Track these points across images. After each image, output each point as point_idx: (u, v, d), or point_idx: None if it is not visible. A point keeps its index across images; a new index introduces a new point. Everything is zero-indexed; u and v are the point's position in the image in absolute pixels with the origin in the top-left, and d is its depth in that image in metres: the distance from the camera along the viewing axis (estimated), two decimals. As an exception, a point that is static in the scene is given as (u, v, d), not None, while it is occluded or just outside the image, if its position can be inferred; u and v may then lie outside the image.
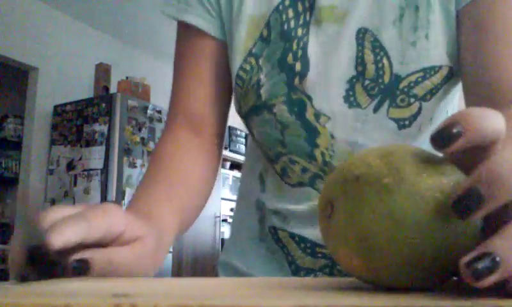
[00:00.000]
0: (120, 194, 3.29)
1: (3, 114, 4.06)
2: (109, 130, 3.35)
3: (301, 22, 0.55)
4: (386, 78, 0.52)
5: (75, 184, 3.40)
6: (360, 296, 0.22)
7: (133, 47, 4.42)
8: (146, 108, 3.60)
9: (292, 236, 0.59)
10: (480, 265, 0.20)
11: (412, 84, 0.52)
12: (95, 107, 3.47)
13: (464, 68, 0.52)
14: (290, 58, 0.55)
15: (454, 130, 0.23)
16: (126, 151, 3.38)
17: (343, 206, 0.25)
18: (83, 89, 3.89)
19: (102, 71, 3.86)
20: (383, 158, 0.25)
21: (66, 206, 0.36)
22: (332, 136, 0.54)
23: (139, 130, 3.51)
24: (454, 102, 0.59)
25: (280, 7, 0.56)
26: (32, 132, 3.60)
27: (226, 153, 4.56)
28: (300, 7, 0.56)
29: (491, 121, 0.24)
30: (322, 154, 0.55)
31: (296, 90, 0.55)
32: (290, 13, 0.56)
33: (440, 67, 0.52)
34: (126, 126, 3.41)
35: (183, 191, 0.56)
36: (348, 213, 0.25)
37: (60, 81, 3.78)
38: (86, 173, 3.37)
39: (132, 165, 3.42)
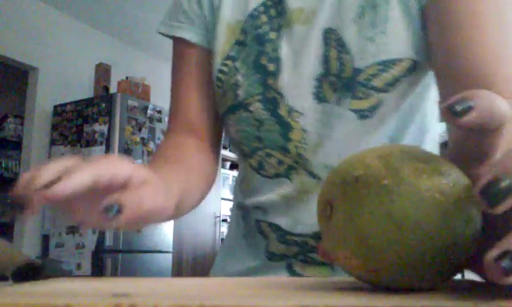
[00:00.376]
0: (120, 194, 3.29)
1: (3, 114, 4.06)
2: (109, 130, 3.35)
3: (273, 26, 0.61)
4: (348, 73, 0.55)
5: (75, 184, 3.39)
6: (359, 296, 0.23)
7: (133, 47, 4.42)
8: (146, 108, 3.59)
9: (270, 225, 0.62)
10: (509, 262, 0.20)
11: (371, 77, 0.55)
12: (95, 107, 3.47)
13: (433, 60, 0.54)
14: (264, 60, 0.60)
15: (467, 104, 0.24)
16: (126, 151, 3.38)
17: (342, 207, 0.25)
18: (83, 89, 3.89)
19: (102, 71, 3.86)
20: (382, 159, 0.25)
21: (70, 158, 0.38)
22: (304, 130, 0.59)
23: (139, 130, 3.51)
24: (429, 96, 0.61)
25: (254, 13, 0.62)
26: (33, 132, 3.60)
27: (226, 153, 4.56)
28: (273, 12, 0.61)
29: (499, 103, 0.25)
30: (296, 147, 0.59)
31: (270, 89, 0.60)
32: (264, 18, 0.62)
33: (400, 60, 0.54)
34: (126, 126, 3.41)
35: (184, 172, 0.59)
36: (347, 214, 0.25)
37: (60, 81, 3.78)
38: (86, 173, 3.37)
39: (132, 165, 3.42)
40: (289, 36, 0.59)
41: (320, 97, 0.57)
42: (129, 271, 3.29)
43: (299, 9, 0.59)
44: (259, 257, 0.64)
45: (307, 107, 0.58)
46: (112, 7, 3.78)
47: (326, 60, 0.57)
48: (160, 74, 4.38)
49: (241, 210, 0.67)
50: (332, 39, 0.56)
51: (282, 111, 0.59)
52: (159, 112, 3.69)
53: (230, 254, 0.69)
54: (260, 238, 0.64)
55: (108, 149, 3.31)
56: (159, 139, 3.65)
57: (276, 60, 0.59)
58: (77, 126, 3.51)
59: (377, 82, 0.55)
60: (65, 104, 3.62)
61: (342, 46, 0.56)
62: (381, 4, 0.55)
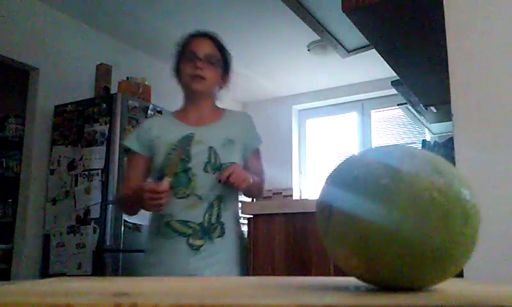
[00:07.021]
0: (121, 194, 3.29)
1: (4, 114, 4.06)
2: (110, 130, 3.35)
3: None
4: (217, 163, 1.61)
5: (75, 184, 3.40)
6: (359, 296, 0.23)
7: (134, 48, 4.41)
8: (146, 108, 3.59)
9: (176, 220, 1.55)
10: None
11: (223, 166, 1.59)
12: (95, 107, 3.47)
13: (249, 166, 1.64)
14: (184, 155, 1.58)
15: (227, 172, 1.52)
16: (126, 151, 3.38)
17: (342, 207, 0.25)
18: (84, 90, 3.88)
19: (103, 72, 3.86)
20: (381, 158, 0.25)
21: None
22: (197, 180, 1.61)
23: (140, 130, 3.51)
24: None
25: (183, 138, 1.63)
26: (33, 132, 3.60)
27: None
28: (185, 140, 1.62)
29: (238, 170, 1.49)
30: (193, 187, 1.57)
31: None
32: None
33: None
34: (127, 126, 3.41)
35: None
36: (347, 214, 0.25)
37: (61, 81, 3.78)
38: (86, 172, 3.37)
39: (133, 165, 3.42)
40: (195, 147, 1.61)
41: (205, 169, 1.58)
42: (130, 271, 3.29)
43: (198, 140, 1.62)
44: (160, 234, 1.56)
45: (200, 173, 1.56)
46: (113, 8, 3.78)
47: (209, 156, 1.59)
48: (160, 74, 4.36)
49: (156, 220, 1.62)
50: (212, 151, 1.60)
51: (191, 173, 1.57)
52: (160, 112, 3.69)
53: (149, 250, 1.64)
54: (167, 230, 1.57)
55: (109, 149, 3.32)
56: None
57: (189, 156, 1.59)
58: (78, 126, 3.51)
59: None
60: (66, 104, 3.62)
61: (215, 154, 1.60)
62: (234, 143, 1.64)
